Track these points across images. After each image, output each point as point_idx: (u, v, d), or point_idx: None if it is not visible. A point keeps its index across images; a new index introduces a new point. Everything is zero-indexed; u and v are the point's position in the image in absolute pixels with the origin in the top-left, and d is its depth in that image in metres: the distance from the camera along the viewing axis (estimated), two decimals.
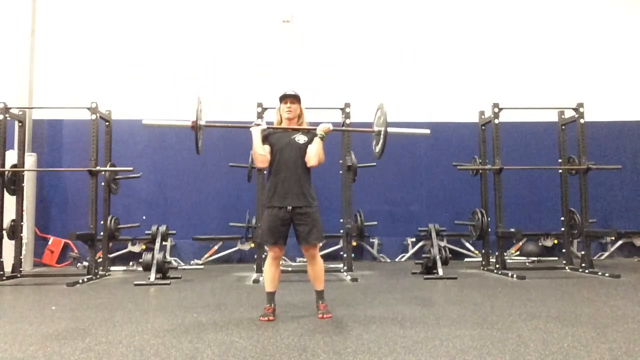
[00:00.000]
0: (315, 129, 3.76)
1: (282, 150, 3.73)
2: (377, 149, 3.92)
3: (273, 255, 3.74)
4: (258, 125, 3.76)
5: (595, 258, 7.69)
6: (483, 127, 7.06)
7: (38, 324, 3.59)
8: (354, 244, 7.28)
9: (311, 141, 3.75)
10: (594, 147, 7.32)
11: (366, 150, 7.65)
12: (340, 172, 6.76)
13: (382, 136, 3.81)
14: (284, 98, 3.82)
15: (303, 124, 3.86)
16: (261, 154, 3.70)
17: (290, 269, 6.52)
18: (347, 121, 6.54)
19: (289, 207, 3.64)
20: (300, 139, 3.76)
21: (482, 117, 7.08)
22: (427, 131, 4.24)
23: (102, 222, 6.63)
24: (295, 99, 3.82)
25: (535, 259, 7.75)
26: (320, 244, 4.08)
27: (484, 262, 6.84)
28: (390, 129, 3.81)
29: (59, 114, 7.77)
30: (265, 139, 3.75)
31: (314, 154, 3.69)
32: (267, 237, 3.71)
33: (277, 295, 3.80)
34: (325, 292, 3.88)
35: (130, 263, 7.53)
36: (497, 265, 6.43)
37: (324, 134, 3.73)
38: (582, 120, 6.58)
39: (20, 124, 6.58)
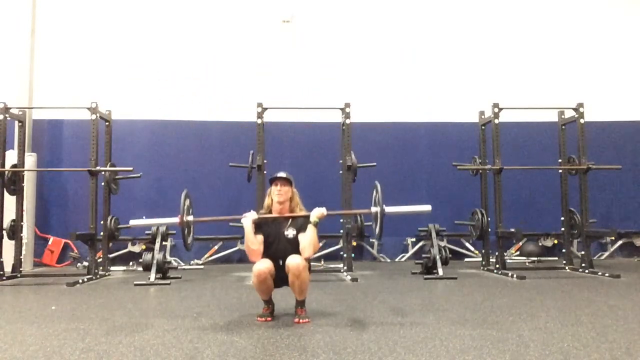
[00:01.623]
0: (308, 215, 3.65)
1: (272, 243, 3.65)
2: (377, 230, 3.80)
3: (259, 274, 3.54)
4: (248, 217, 3.65)
5: (595, 258, 7.69)
6: (483, 127, 7.06)
7: (38, 324, 3.59)
8: (354, 244, 7.28)
9: (301, 230, 3.63)
10: (594, 147, 7.31)
11: (366, 150, 7.70)
12: (340, 172, 6.76)
13: (378, 217, 3.67)
14: (274, 180, 3.73)
15: (295, 207, 3.74)
16: (255, 248, 3.61)
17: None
18: (347, 121, 6.54)
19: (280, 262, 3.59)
20: (290, 233, 3.66)
21: (482, 117, 7.08)
22: (429, 207, 4.00)
23: (102, 222, 6.63)
24: (286, 181, 3.72)
25: (535, 259, 7.75)
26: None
27: (484, 262, 6.84)
28: (387, 210, 3.65)
29: (59, 114, 7.77)
30: (258, 227, 3.66)
31: (308, 245, 3.57)
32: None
33: (277, 295, 3.80)
34: (326, 292, 3.88)
35: (130, 263, 7.53)
36: (497, 265, 6.42)
37: (318, 220, 3.62)
38: (582, 120, 6.58)
39: (20, 124, 6.58)
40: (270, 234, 3.68)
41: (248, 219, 3.65)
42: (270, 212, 3.77)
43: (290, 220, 3.71)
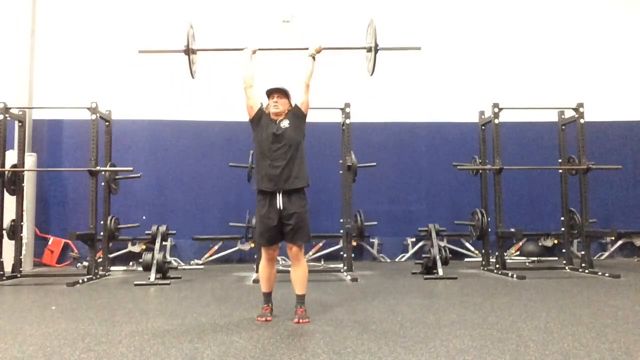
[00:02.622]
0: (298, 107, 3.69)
1: (269, 137, 3.61)
2: (370, 65, 3.99)
3: (267, 256, 3.71)
4: (249, 47, 3.84)
5: (595, 258, 7.69)
6: (483, 127, 7.06)
7: (38, 324, 3.59)
8: (354, 244, 7.28)
9: (295, 118, 3.66)
10: (594, 147, 7.32)
11: (366, 150, 7.70)
12: (340, 172, 6.76)
13: (372, 52, 3.89)
14: (271, 93, 3.74)
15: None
16: (248, 74, 3.83)
17: (289, 269, 6.50)
18: (347, 121, 6.54)
19: (279, 205, 3.55)
20: (284, 123, 3.65)
21: (482, 117, 7.08)
22: (419, 47, 4.29)
23: (102, 222, 6.63)
24: (282, 93, 3.72)
25: (535, 259, 7.76)
26: (310, 251, 4.02)
27: (484, 262, 6.84)
28: (381, 44, 3.91)
29: (59, 114, 7.77)
30: (256, 122, 3.70)
31: (305, 71, 3.75)
32: (261, 239, 3.69)
33: (276, 295, 3.81)
34: (326, 292, 3.88)
35: (130, 263, 7.53)
36: (497, 265, 6.43)
37: (316, 52, 3.78)
38: (582, 120, 6.59)
39: (20, 124, 6.58)
40: (267, 127, 3.67)
41: (248, 49, 3.92)
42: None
43: (286, 112, 3.71)
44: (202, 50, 4.10)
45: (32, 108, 7.72)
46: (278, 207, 3.56)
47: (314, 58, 3.74)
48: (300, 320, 3.55)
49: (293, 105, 3.76)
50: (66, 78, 8.13)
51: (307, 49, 3.79)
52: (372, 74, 4.01)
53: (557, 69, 8.51)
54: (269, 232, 3.63)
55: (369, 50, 3.94)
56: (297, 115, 3.70)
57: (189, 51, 3.96)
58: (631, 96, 8.55)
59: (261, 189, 3.63)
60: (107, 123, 6.98)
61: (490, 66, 8.50)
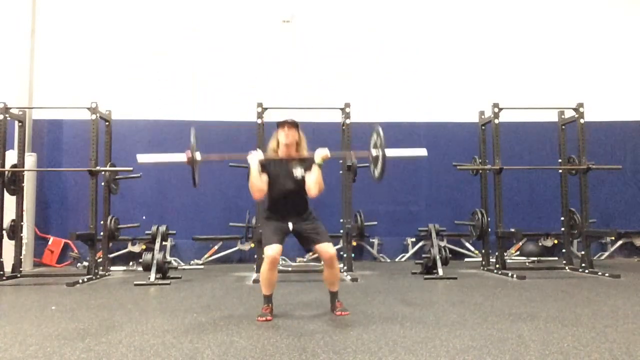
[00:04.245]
0: (312, 156, 3.70)
1: (279, 181, 3.71)
2: (377, 173, 3.84)
3: (271, 260, 3.62)
4: (254, 155, 3.69)
5: (595, 258, 7.69)
6: (483, 127, 7.06)
7: (38, 324, 3.59)
8: (354, 244, 7.28)
9: (308, 169, 3.70)
10: (594, 147, 7.32)
11: (366, 150, 7.67)
12: (340, 172, 6.76)
13: (380, 161, 3.71)
14: (282, 124, 3.77)
15: (303, 150, 3.80)
16: (259, 187, 3.66)
17: (290, 269, 6.52)
18: (347, 121, 6.54)
19: (290, 225, 3.70)
20: (297, 172, 3.71)
21: (482, 117, 7.08)
22: (424, 152, 4.17)
23: (102, 222, 6.63)
24: (293, 125, 3.77)
25: (535, 259, 7.76)
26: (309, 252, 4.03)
27: (484, 262, 6.84)
28: (388, 152, 3.71)
29: (59, 114, 7.77)
30: (263, 168, 3.71)
31: (314, 184, 3.64)
32: (271, 237, 3.66)
33: (277, 295, 3.81)
34: (326, 292, 3.90)
35: (130, 263, 7.53)
36: (497, 265, 6.42)
37: (322, 161, 3.67)
38: (582, 120, 6.58)
39: (20, 124, 6.58)
40: (277, 174, 3.72)
41: (254, 157, 3.70)
42: (275, 154, 3.82)
43: (298, 160, 3.75)
44: (205, 160, 3.98)
45: (32, 108, 7.72)
46: (289, 228, 3.72)
47: (320, 166, 3.67)
48: (343, 313, 3.70)
49: (302, 137, 3.83)
50: (66, 78, 8.13)
51: (312, 156, 3.69)
52: (379, 181, 3.94)
53: (557, 69, 8.51)
54: (275, 232, 3.67)
55: (376, 159, 3.82)
56: (308, 169, 3.73)
57: (193, 162, 3.80)
58: (631, 96, 8.55)
59: (270, 211, 3.78)
60: (107, 123, 6.98)
61: (490, 66, 8.50)
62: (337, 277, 3.79)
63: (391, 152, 3.79)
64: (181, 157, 3.80)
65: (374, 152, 3.83)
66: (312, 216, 3.80)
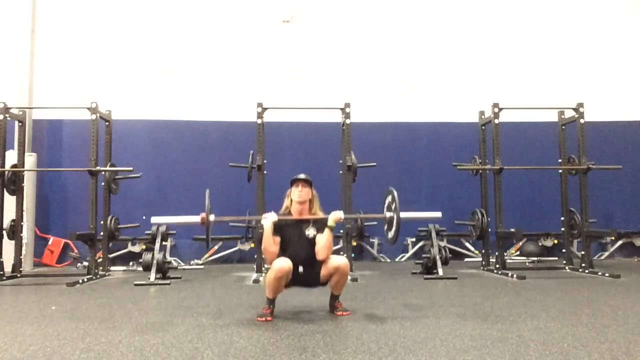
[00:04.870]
0: (326, 218, 3.72)
1: (292, 243, 3.73)
2: (391, 235, 3.85)
3: (280, 270, 3.56)
4: (268, 218, 3.69)
5: (595, 258, 7.70)
6: (483, 127, 7.06)
7: (38, 324, 3.59)
8: (354, 244, 7.28)
9: (320, 231, 3.72)
10: (594, 147, 7.31)
11: (366, 150, 7.69)
12: (340, 172, 6.76)
13: (394, 223, 3.73)
14: (296, 181, 3.81)
15: (315, 209, 3.83)
16: (273, 250, 3.68)
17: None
18: (347, 121, 6.53)
19: (300, 269, 3.68)
20: (310, 233, 3.74)
21: (482, 117, 7.08)
22: (439, 214, 4.28)
23: (102, 222, 6.62)
24: (306, 182, 3.81)
25: (535, 259, 7.76)
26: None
27: (484, 262, 6.84)
28: (402, 215, 3.71)
29: (59, 114, 7.77)
30: (277, 229, 3.71)
31: (323, 247, 3.66)
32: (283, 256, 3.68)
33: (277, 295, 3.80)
34: (326, 292, 3.89)
35: (130, 263, 7.53)
36: (497, 265, 6.42)
37: (335, 224, 3.70)
38: (582, 120, 6.58)
39: (20, 124, 6.58)
40: (290, 234, 3.75)
41: (268, 220, 3.69)
42: (289, 213, 3.83)
43: (310, 221, 3.77)
44: (219, 221, 3.98)
45: (32, 108, 7.72)
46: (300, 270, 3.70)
47: (332, 229, 3.68)
48: (344, 313, 3.75)
49: (314, 194, 3.87)
50: (66, 78, 8.14)
51: (326, 218, 3.70)
52: (393, 244, 3.96)
53: (557, 69, 8.51)
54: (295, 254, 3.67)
55: (390, 222, 3.85)
56: (320, 230, 3.74)
57: (207, 223, 3.80)
58: (631, 96, 8.55)
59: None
60: (107, 123, 6.98)
61: (490, 66, 8.50)
62: (345, 283, 3.83)
63: (406, 215, 3.80)
64: (195, 219, 3.81)
65: (388, 214, 3.86)
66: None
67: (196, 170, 8.17)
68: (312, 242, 3.73)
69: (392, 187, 3.85)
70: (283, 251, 3.73)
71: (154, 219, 4.11)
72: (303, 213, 3.80)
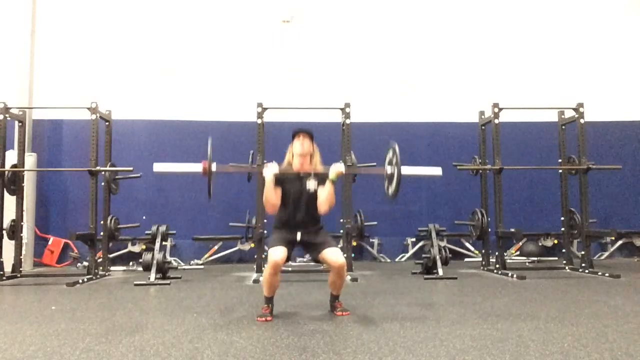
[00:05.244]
0: (326, 171, 3.70)
1: (292, 195, 3.72)
2: (391, 190, 3.84)
3: (274, 264, 3.55)
4: (269, 168, 3.67)
5: (595, 258, 7.70)
6: (483, 127, 7.06)
7: (38, 324, 3.59)
8: (354, 244, 7.28)
9: (321, 185, 3.72)
10: (594, 147, 7.32)
11: (366, 150, 7.69)
12: None
13: (395, 179, 3.69)
14: (297, 133, 3.80)
15: (316, 163, 3.81)
16: (273, 201, 3.67)
17: (290, 269, 6.51)
18: (347, 121, 6.54)
19: (298, 235, 3.69)
20: (311, 186, 3.73)
21: (482, 117, 7.08)
22: (439, 171, 4.19)
23: (102, 222, 6.62)
24: (308, 135, 3.81)
25: (535, 259, 7.75)
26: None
27: (484, 262, 6.84)
28: (404, 171, 3.69)
29: (59, 114, 7.77)
30: (277, 181, 3.70)
31: (324, 200, 3.66)
32: (276, 243, 3.65)
33: (277, 295, 3.80)
34: (326, 292, 3.90)
35: (130, 263, 7.53)
36: (497, 265, 6.42)
37: (336, 177, 3.66)
38: (582, 120, 6.58)
39: (20, 124, 6.58)
40: (291, 187, 3.73)
41: (269, 170, 3.68)
42: (290, 166, 3.82)
43: (311, 174, 3.76)
44: (220, 172, 3.95)
45: (32, 108, 7.72)
46: (297, 238, 3.71)
47: (333, 183, 3.66)
48: (343, 313, 3.75)
49: (316, 150, 3.86)
50: (66, 78, 8.14)
51: (327, 173, 3.67)
52: (393, 199, 3.95)
53: (557, 69, 8.51)
54: (282, 238, 3.67)
55: (391, 178, 3.81)
56: (323, 182, 3.74)
57: (209, 173, 3.75)
58: (631, 96, 8.55)
59: (281, 222, 3.78)
60: (107, 123, 6.98)
61: (490, 66, 8.50)
62: (343, 283, 3.82)
63: (407, 170, 3.78)
64: (197, 168, 3.77)
65: (389, 169, 3.81)
66: (322, 231, 3.80)
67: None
68: (312, 196, 3.72)
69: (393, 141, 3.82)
70: (283, 205, 3.72)
71: (156, 166, 4.09)
72: (304, 166, 3.77)
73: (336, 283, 3.77)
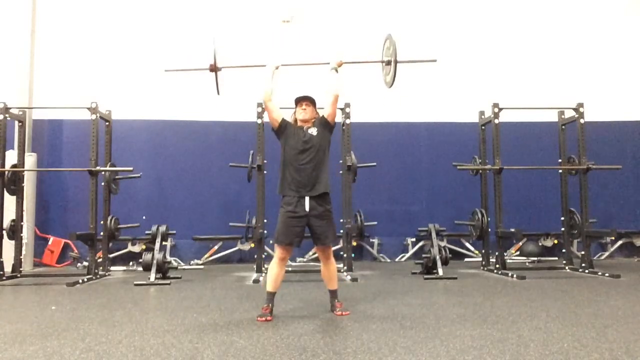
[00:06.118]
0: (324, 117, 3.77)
1: (296, 144, 3.75)
2: (388, 78, 3.99)
3: (281, 256, 3.72)
4: (273, 62, 3.90)
5: (595, 258, 7.70)
6: (483, 127, 7.06)
7: (38, 324, 3.59)
8: (354, 244, 7.29)
9: (321, 127, 3.78)
10: (594, 147, 7.31)
11: (366, 150, 7.70)
12: (340, 172, 6.76)
13: (392, 65, 3.89)
14: (299, 101, 3.87)
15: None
16: (268, 86, 3.86)
17: (290, 269, 6.51)
18: (347, 121, 6.55)
19: (307, 208, 3.68)
20: (313, 130, 3.79)
21: (482, 117, 7.08)
22: (435, 59, 4.32)
23: (102, 222, 6.63)
24: (310, 101, 3.87)
25: (535, 259, 7.76)
26: (311, 250, 4.18)
27: (484, 262, 6.85)
28: (399, 58, 3.89)
29: (59, 114, 7.77)
30: (282, 131, 3.80)
31: (330, 87, 3.76)
32: (282, 236, 3.70)
33: (277, 295, 3.80)
34: (326, 292, 3.90)
35: (130, 263, 7.53)
36: (497, 265, 6.43)
37: (337, 66, 3.77)
38: (582, 120, 6.59)
39: (20, 124, 6.59)
40: (295, 141, 3.78)
41: (271, 64, 3.93)
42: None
43: (313, 121, 3.85)
44: (227, 68, 4.18)
45: (32, 108, 7.72)
46: (306, 209, 3.70)
47: (336, 71, 3.72)
48: (343, 313, 3.75)
49: (319, 114, 3.91)
50: (66, 78, 8.14)
51: (328, 63, 3.80)
52: (390, 87, 4.08)
53: (557, 69, 8.50)
54: (292, 232, 3.70)
55: (388, 63, 3.99)
56: (323, 124, 3.82)
57: (215, 69, 4.06)
58: (631, 96, 8.55)
59: (286, 194, 3.77)
60: (107, 123, 6.98)
61: (490, 66, 8.49)
62: (333, 273, 3.84)
63: (402, 60, 4.02)
64: (204, 67, 4.02)
65: (386, 57, 4.06)
66: (328, 213, 3.77)
67: (196, 170, 8.17)
68: (315, 140, 3.74)
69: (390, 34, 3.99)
70: (288, 162, 3.74)
71: (167, 69, 4.34)
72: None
73: (326, 274, 3.83)
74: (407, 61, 4.13)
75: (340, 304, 3.85)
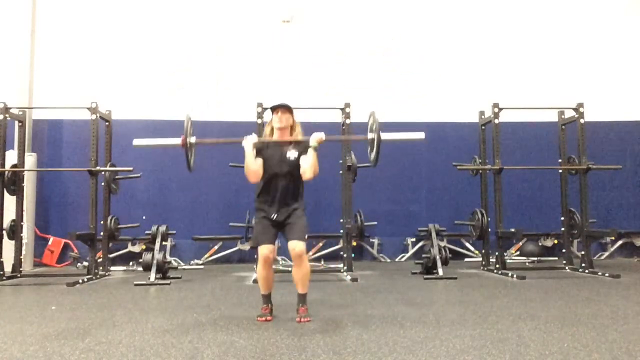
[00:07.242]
0: (307, 140, 3.67)
1: (272, 164, 3.67)
2: (372, 156, 3.85)
3: (263, 258, 3.63)
4: (248, 139, 3.69)
5: (595, 258, 7.69)
6: (483, 127, 7.06)
7: (38, 324, 3.59)
8: (354, 244, 7.28)
9: (302, 154, 3.66)
10: (594, 147, 7.32)
11: (366, 150, 7.68)
12: (340, 172, 6.76)
13: (375, 144, 3.71)
14: (275, 109, 3.77)
15: (298, 134, 3.78)
16: (254, 169, 3.64)
17: (290, 269, 6.51)
18: (347, 121, 6.54)
19: (274, 216, 3.64)
20: (292, 154, 3.68)
21: (482, 117, 7.08)
22: (422, 135, 4.10)
23: (102, 222, 6.63)
24: (286, 109, 3.75)
25: (535, 259, 7.75)
26: (310, 251, 4.01)
27: (484, 262, 6.85)
28: (383, 136, 3.72)
29: (59, 114, 7.76)
30: (258, 152, 3.69)
31: (308, 167, 3.61)
32: (261, 236, 3.66)
33: (276, 295, 3.81)
34: (326, 292, 3.89)
35: (130, 263, 7.53)
36: (497, 265, 6.43)
37: (317, 144, 3.63)
38: (582, 120, 6.58)
39: (20, 124, 6.58)
40: (271, 156, 3.70)
41: (249, 141, 3.70)
42: (270, 138, 3.82)
43: (292, 143, 3.73)
44: (200, 144, 3.97)
45: (32, 108, 7.72)
46: (278, 218, 3.66)
47: (316, 150, 3.63)
48: (302, 319, 3.56)
49: (296, 122, 3.83)
50: (66, 78, 8.13)
51: (308, 139, 3.66)
52: (375, 166, 3.94)
53: (557, 69, 8.50)
54: (270, 231, 3.66)
55: (371, 141, 3.82)
56: (303, 152, 3.69)
57: (187, 145, 3.81)
58: (631, 96, 8.55)
59: (260, 200, 3.74)
60: (107, 123, 6.98)
61: (490, 66, 8.50)
62: (305, 276, 3.68)
63: (387, 136, 3.82)
64: (176, 141, 3.83)
65: (370, 135, 3.83)
66: (298, 212, 3.68)
67: (196, 170, 8.12)
68: (293, 165, 3.66)
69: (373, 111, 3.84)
70: (264, 174, 3.68)
71: (136, 141, 4.14)
72: (284, 138, 3.75)
73: (297, 276, 3.67)
74: (392, 139, 3.99)
75: (305, 310, 3.65)
